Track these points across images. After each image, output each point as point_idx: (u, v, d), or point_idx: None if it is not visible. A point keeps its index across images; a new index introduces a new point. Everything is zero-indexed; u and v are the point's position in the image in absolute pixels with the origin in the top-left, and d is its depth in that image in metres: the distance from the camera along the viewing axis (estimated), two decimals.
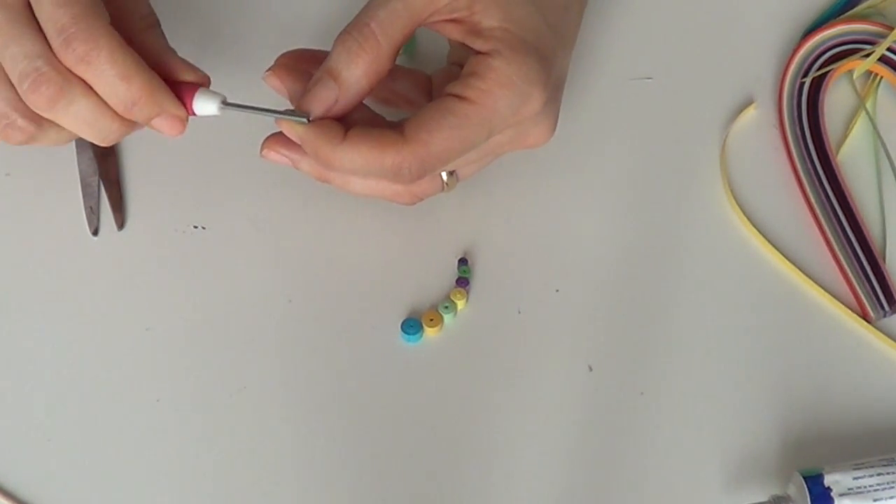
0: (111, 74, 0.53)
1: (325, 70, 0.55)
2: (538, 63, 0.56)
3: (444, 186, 0.61)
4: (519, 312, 0.64)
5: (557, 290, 0.65)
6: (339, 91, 0.55)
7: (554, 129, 0.60)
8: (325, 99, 0.55)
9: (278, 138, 0.58)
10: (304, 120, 0.55)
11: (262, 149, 0.59)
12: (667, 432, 0.61)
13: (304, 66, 0.59)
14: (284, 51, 0.60)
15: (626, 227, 0.67)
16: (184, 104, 0.56)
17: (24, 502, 0.58)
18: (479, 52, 0.56)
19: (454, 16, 0.57)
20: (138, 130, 0.58)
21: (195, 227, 0.65)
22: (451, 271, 0.65)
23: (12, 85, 0.54)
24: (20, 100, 0.54)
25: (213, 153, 0.67)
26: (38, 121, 0.55)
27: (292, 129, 0.56)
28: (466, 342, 0.63)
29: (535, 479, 0.60)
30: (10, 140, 0.56)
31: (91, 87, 0.53)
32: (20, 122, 0.55)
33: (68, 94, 0.53)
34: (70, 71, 0.53)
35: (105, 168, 0.66)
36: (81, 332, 0.62)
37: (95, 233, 0.65)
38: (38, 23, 0.53)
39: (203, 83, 0.56)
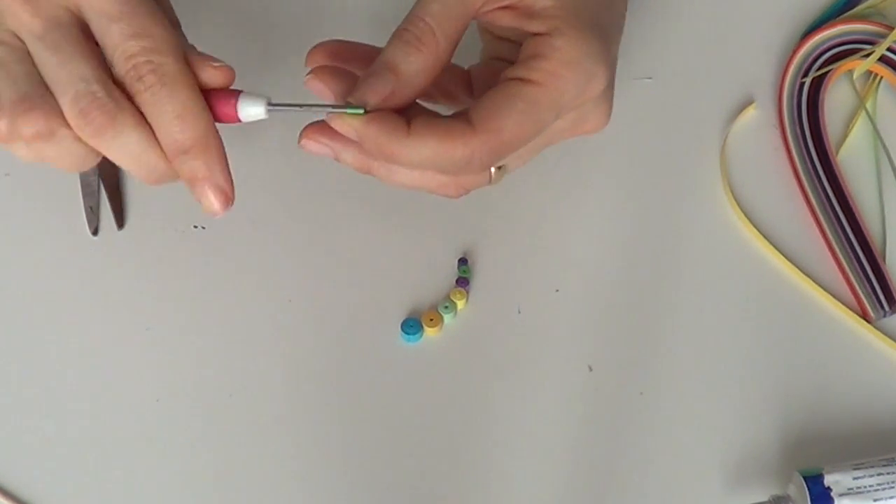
0: (170, 111, 0.51)
1: (382, 62, 0.53)
2: (599, 41, 0.55)
3: (491, 179, 0.58)
4: (519, 312, 0.64)
5: (557, 290, 0.65)
6: (397, 83, 0.52)
7: (610, 113, 0.58)
8: (381, 90, 0.52)
9: (319, 127, 0.55)
10: (361, 111, 0.52)
11: (300, 138, 0.56)
12: (667, 432, 0.61)
13: (341, 62, 0.57)
14: (314, 44, 0.58)
15: (626, 227, 0.67)
16: (228, 112, 0.53)
17: (24, 502, 0.58)
18: (536, 34, 0.54)
19: (506, 2, 0.55)
20: None
21: (195, 227, 0.65)
22: (451, 271, 0.65)
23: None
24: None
25: None
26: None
27: (347, 123, 0.52)
28: (466, 342, 0.63)
29: (535, 479, 0.60)
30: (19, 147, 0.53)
31: (143, 121, 0.51)
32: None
33: (118, 124, 0.51)
34: (126, 99, 0.51)
35: (105, 168, 0.66)
36: (81, 332, 0.62)
37: (95, 233, 0.65)
38: (92, 46, 0.52)
39: (229, 79, 0.53)
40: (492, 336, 0.63)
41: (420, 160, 0.53)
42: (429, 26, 0.53)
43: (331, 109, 0.52)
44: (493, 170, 0.57)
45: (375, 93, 0.52)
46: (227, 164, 0.53)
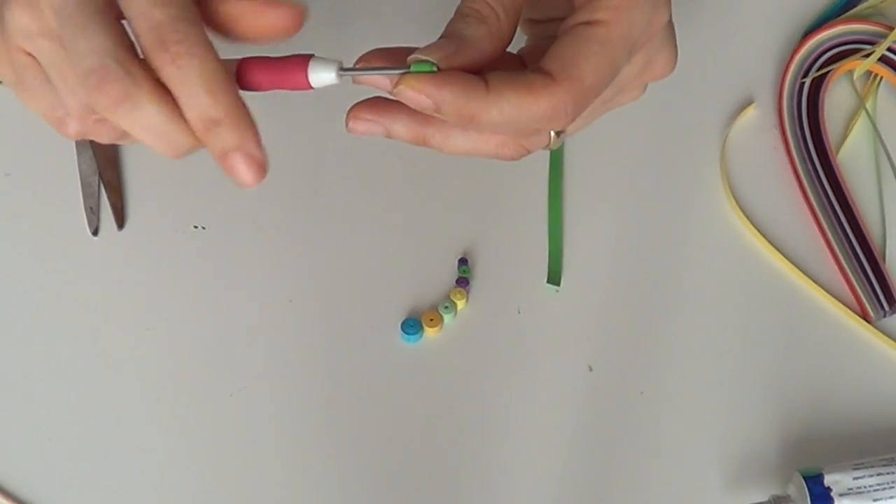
0: (198, 84, 0.48)
1: (443, 34, 0.50)
2: None
3: (550, 142, 0.55)
4: (519, 312, 0.64)
5: (557, 290, 0.65)
6: (460, 44, 0.49)
7: (677, 54, 0.56)
8: (444, 48, 0.49)
9: (365, 105, 0.52)
10: (434, 68, 0.48)
11: (347, 121, 0.52)
12: (667, 432, 0.61)
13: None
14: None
15: (626, 227, 0.67)
16: (297, 78, 0.50)
17: (24, 502, 0.58)
18: None
19: None
20: None
21: (195, 227, 0.65)
22: (451, 271, 0.65)
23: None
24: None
25: None
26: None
27: (421, 90, 0.48)
28: (466, 342, 0.63)
29: (535, 479, 0.60)
30: (100, 138, 0.52)
31: (162, 94, 0.49)
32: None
33: (134, 97, 0.48)
34: (142, 74, 0.48)
35: (105, 168, 0.66)
36: (81, 332, 0.62)
37: (95, 233, 0.65)
38: (111, 19, 0.49)
39: (298, 17, 0.49)
40: (492, 336, 0.63)
41: (502, 118, 0.49)
42: (485, 1, 0.51)
43: (403, 72, 0.49)
44: (552, 134, 0.54)
45: (439, 49, 0.49)
46: (258, 134, 0.50)
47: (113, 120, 0.49)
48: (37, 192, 0.66)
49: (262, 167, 0.50)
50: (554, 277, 0.65)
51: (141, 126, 0.49)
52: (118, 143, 0.53)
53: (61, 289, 0.63)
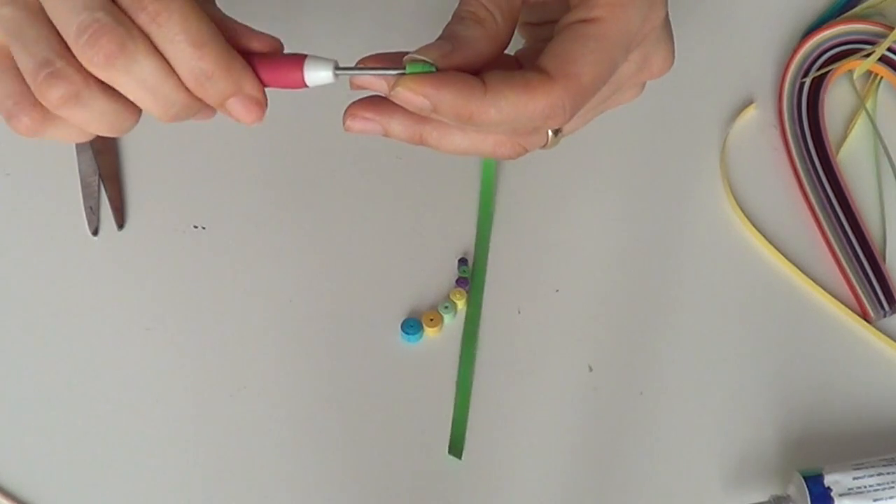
0: (182, 40, 0.48)
1: (441, 35, 0.51)
2: None
3: (548, 141, 0.55)
4: (519, 312, 0.64)
5: (557, 290, 0.65)
6: (457, 43, 0.50)
7: (674, 52, 0.56)
8: (441, 47, 0.49)
9: (362, 103, 0.52)
10: (431, 68, 0.48)
11: (345, 120, 0.52)
12: (667, 432, 0.61)
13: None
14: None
15: (626, 227, 0.67)
16: (293, 77, 0.51)
17: (24, 502, 0.58)
18: None
19: None
20: (143, 127, 0.55)
21: (195, 227, 0.65)
22: (451, 271, 0.65)
23: (23, 79, 0.49)
24: (30, 92, 0.49)
25: (213, 153, 0.67)
26: (43, 113, 0.50)
27: (419, 87, 0.49)
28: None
29: (536, 479, 0.60)
30: (57, 135, 0.51)
31: (156, 49, 0.48)
32: (31, 110, 0.50)
33: (130, 49, 0.48)
34: (135, 27, 0.48)
35: (105, 167, 0.66)
36: (81, 332, 0.62)
37: (95, 233, 0.65)
38: None
39: (276, 48, 0.51)
40: (492, 336, 0.63)
41: (500, 118, 0.49)
42: (482, 4, 0.51)
43: (401, 72, 0.49)
44: (550, 133, 0.55)
45: (435, 48, 0.50)
46: (250, 70, 0.50)
47: (106, 77, 0.49)
48: (37, 192, 0.66)
49: (261, 105, 0.50)
50: (455, 447, 0.60)
51: (135, 82, 0.49)
52: (72, 140, 0.52)
53: (61, 289, 0.63)
